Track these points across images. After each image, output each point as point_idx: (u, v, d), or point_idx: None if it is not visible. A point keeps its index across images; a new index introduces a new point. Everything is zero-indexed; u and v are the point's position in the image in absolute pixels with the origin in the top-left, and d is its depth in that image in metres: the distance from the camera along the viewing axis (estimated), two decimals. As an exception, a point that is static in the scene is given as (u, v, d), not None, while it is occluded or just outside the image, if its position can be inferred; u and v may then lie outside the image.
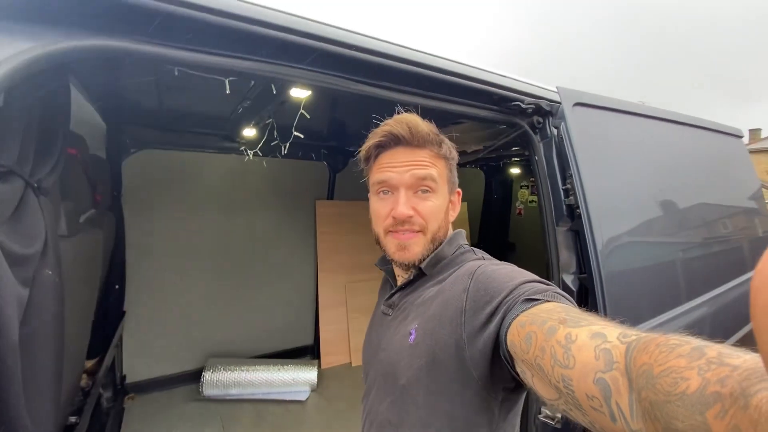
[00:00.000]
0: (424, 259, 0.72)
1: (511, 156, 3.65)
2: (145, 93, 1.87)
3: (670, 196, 1.43)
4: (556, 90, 1.26)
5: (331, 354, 3.27)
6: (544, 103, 1.28)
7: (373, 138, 0.74)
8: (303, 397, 2.76)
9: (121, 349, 2.59)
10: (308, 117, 1.35)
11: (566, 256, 1.32)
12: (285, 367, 2.84)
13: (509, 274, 0.60)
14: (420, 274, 0.74)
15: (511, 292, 0.56)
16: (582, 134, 1.22)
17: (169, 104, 2.08)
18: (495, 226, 4.43)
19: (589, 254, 1.17)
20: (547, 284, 0.57)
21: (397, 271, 0.80)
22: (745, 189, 1.94)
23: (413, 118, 0.72)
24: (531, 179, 4.25)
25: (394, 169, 0.71)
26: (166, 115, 2.30)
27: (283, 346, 3.33)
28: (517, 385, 0.59)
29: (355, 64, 1.02)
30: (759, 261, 0.22)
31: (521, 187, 4.40)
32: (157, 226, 2.73)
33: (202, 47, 0.84)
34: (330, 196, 3.40)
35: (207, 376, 2.69)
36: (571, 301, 0.55)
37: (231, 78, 1.07)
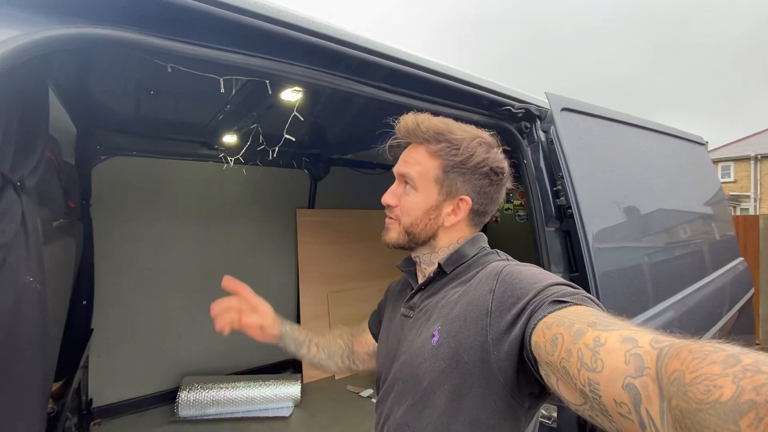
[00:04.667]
0: (401, 247, 0.76)
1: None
2: (122, 97, 1.79)
3: (649, 196, 1.51)
4: (544, 95, 1.31)
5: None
6: (533, 108, 1.32)
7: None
8: (287, 413, 2.65)
9: (87, 370, 2.40)
10: (302, 119, 1.33)
11: (556, 256, 1.35)
12: (267, 382, 2.72)
13: (537, 275, 0.59)
14: (440, 273, 0.73)
15: (539, 293, 0.54)
16: (570, 137, 1.27)
17: (146, 109, 2.00)
18: (473, 234, 4.51)
19: (582, 253, 1.20)
20: (576, 288, 0.56)
21: (418, 270, 0.80)
22: (709, 192, 2.09)
23: (420, 116, 0.74)
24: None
25: (398, 162, 0.78)
26: (140, 121, 2.20)
27: (263, 361, 3.20)
28: (542, 391, 0.57)
29: (349, 62, 1.01)
30: None
31: (497, 195, 4.52)
32: (128, 238, 2.58)
33: (201, 41, 0.82)
34: (311, 205, 3.35)
35: (183, 395, 2.54)
36: (600, 306, 0.53)
37: (226, 77, 1.04)
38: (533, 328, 0.51)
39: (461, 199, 0.72)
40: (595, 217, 1.27)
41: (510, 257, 0.74)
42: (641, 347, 0.39)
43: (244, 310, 0.86)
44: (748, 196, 15.87)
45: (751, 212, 14.85)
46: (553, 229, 1.36)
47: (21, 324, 0.70)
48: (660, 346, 0.38)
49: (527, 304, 0.54)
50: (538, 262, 1.38)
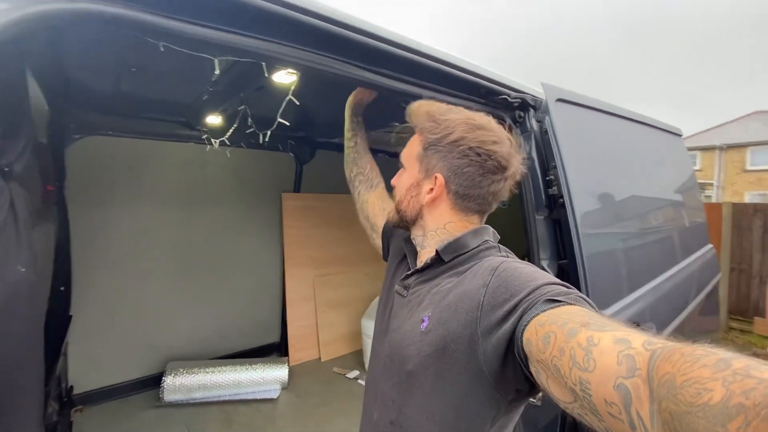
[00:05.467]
0: (397, 226, 0.82)
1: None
2: (99, 73, 1.68)
3: (635, 187, 1.57)
4: (540, 85, 1.32)
5: (300, 350, 3.20)
6: (528, 98, 1.33)
7: None
8: (274, 395, 2.68)
9: (66, 357, 2.33)
10: (297, 103, 1.29)
11: (545, 243, 1.39)
12: (254, 366, 2.73)
13: (532, 273, 0.59)
14: (438, 261, 0.73)
15: (533, 291, 0.55)
16: (564, 128, 1.29)
17: (124, 87, 1.89)
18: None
19: (572, 241, 1.25)
20: (569, 287, 0.56)
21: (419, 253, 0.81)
22: (686, 181, 2.20)
23: (423, 101, 0.79)
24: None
25: None
26: (117, 99, 2.08)
27: (247, 345, 3.20)
28: (530, 388, 0.58)
29: (348, 46, 0.98)
30: None
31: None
32: (105, 221, 2.48)
33: (197, 20, 0.78)
34: (297, 189, 3.30)
35: (168, 380, 2.51)
36: (593, 307, 0.54)
37: (221, 57, 0.99)
38: (525, 325, 0.52)
39: (436, 177, 0.72)
40: (586, 206, 1.31)
41: (510, 253, 0.74)
42: (634, 348, 0.39)
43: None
44: (712, 184, 16.69)
45: (714, 199, 15.66)
46: (542, 217, 1.40)
47: (16, 319, 0.67)
48: (653, 348, 0.38)
49: (520, 301, 0.55)
50: (527, 249, 1.42)
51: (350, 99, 1.19)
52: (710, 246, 2.31)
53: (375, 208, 1.05)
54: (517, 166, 0.74)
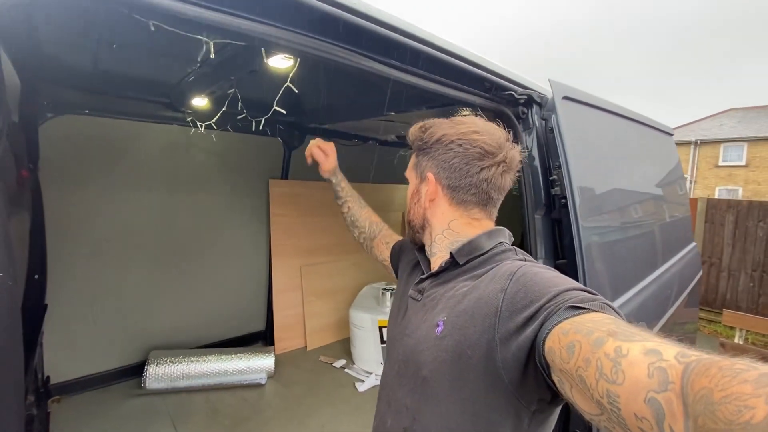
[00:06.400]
0: (413, 241, 0.83)
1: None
2: (77, 48, 1.56)
3: (635, 186, 1.58)
4: (548, 82, 1.29)
5: (286, 339, 3.17)
6: (535, 94, 1.30)
7: None
8: (260, 384, 2.65)
9: (42, 348, 2.23)
10: (296, 91, 1.22)
11: (543, 243, 1.39)
12: (239, 355, 2.68)
13: (553, 279, 0.57)
14: (452, 264, 0.72)
15: (554, 297, 0.53)
16: (569, 127, 1.27)
17: (103, 63, 1.76)
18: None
19: (572, 242, 1.24)
20: (594, 293, 0.54)
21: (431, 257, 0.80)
22: (677, 181, 2.25)
23: (414, 125, 0.80)
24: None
25: None
26: (95, 76, 1.95)
27: (232, 333, 3.15)
28: (553, 397, 0.56)
29: (353, 32, 0.92)
30: None
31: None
32: (82, 206, 2.35)
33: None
34: (285, 176, 3.21)
35: (150, 370, 2.45)
36: (619, 314, 0.51)
37: (217, 40, 0.91)
38: (547, 333, 0.50)
39: (428, 177, 0.75)
40: (587, 207, 1.30)
41: (528, 256, 0.72)
42: (666, 361, 0.38)
43: (321, 153, 1.20)
44: (686, 179, 17.30)
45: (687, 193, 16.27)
46: (540, 216, 1.39)
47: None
48: (686, 360, 0.36)
49: (541, 308, 0.53)
50: (522, 246, 1.41)
51: (320, 168, 1.21)
52: (694, 244, 2.39)
53: (380, 247, 1.12)
54: (509, 153, 0.73)
